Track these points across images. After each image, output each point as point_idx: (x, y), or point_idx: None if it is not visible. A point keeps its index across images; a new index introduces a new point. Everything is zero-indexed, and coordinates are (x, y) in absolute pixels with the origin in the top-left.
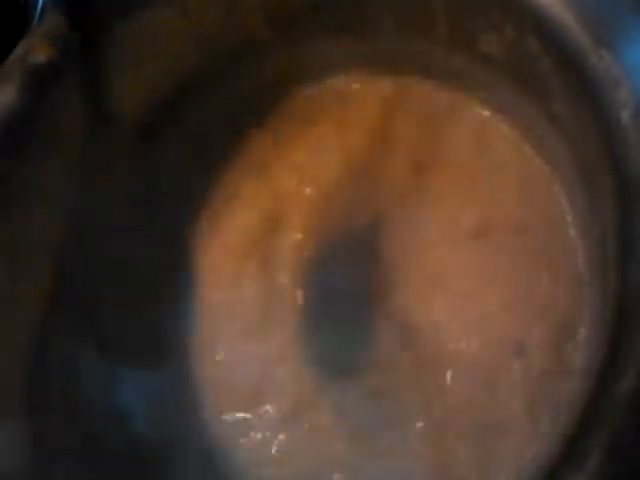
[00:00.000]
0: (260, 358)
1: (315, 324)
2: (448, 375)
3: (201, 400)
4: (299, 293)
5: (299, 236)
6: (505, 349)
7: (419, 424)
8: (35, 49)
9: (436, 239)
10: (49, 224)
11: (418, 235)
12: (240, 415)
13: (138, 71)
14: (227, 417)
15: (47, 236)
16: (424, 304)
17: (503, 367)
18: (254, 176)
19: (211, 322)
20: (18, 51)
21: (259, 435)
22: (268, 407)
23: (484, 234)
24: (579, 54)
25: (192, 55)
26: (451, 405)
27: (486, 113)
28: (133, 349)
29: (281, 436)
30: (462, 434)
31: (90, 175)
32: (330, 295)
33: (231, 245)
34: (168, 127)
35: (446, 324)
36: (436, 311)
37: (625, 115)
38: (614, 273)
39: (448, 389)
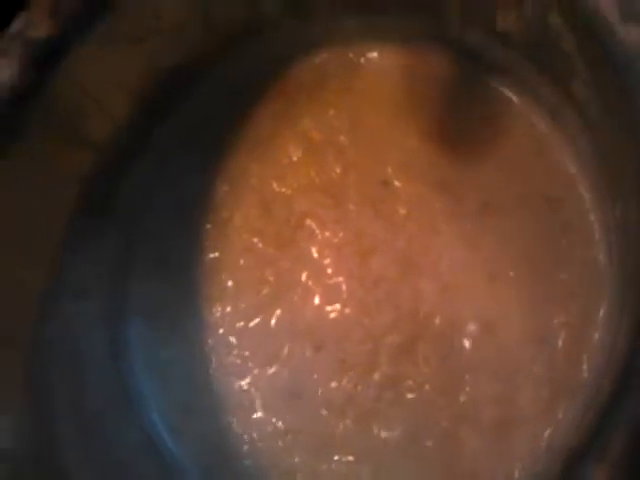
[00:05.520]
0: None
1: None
2: (468, 370)
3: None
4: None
5: None
6: (528, 341)
7: (431, 417)
8: (35, 23)
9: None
10: None
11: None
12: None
13: (140, 45)
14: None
15: None
16: (444, 295)
17: (526, 360)
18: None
19: None
20: (17, 25)
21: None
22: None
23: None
24: (604, 29)
25: (196, 29)
26: (469, 400)
27: (503, 90)
28: None
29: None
30: (477, 429)
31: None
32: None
33: None
34: (172, 104)
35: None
36: (457, 304)
37: None
38: (634, 257)
39: (467, 384)
